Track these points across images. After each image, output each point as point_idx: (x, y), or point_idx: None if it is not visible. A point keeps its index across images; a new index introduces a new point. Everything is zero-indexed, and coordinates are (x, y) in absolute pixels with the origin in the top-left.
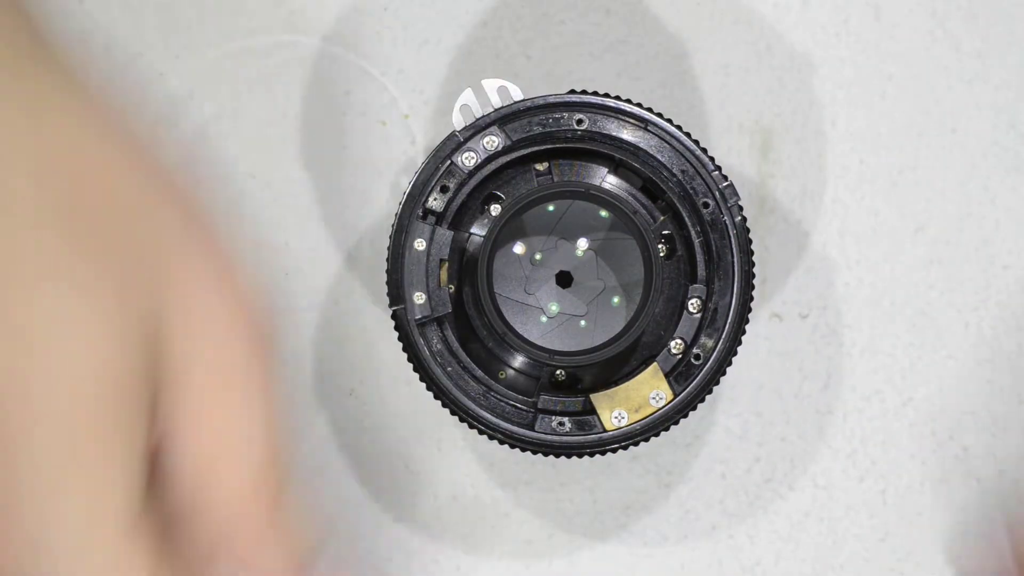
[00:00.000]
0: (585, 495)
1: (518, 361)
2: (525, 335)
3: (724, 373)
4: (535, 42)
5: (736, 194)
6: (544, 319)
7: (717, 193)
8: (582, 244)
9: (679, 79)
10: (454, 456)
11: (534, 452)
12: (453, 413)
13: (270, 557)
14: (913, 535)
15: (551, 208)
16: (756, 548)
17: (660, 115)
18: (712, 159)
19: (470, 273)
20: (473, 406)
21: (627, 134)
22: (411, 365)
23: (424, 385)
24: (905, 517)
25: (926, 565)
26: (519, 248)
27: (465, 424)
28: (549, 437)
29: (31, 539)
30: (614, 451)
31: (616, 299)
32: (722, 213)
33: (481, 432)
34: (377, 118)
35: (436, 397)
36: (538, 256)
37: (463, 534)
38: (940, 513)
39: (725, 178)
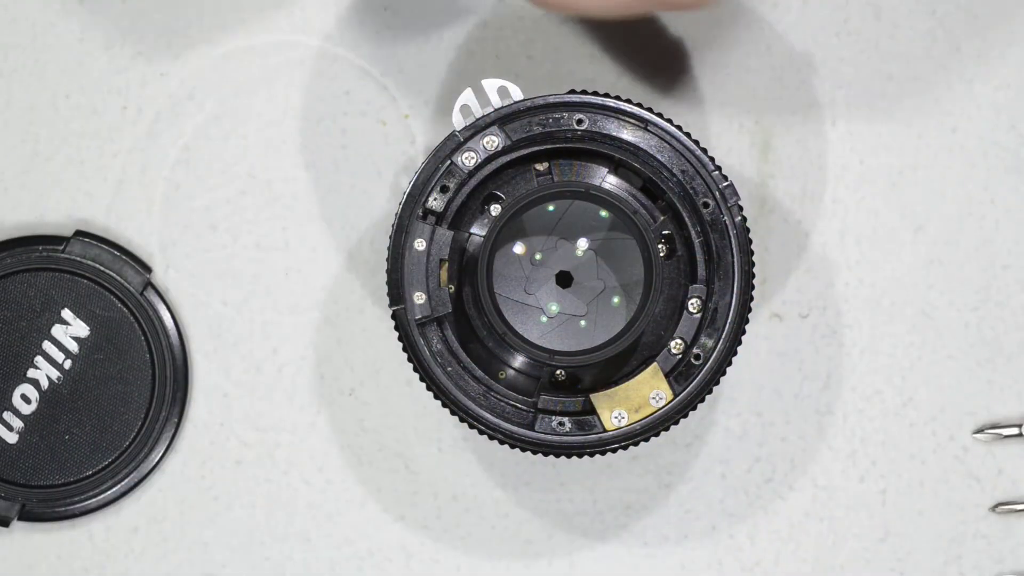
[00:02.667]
0: (585, 495)
1: (518, 361)
2: (525, 335)
3: (724, 373)
4: (535, 42)
5: (736, 194)
6: (544, 319)
7: (717, 193)
8: (582, 244)
9: (679, 79)
10: (454, 456)
11: (534, 452)
12: (453, 413)
13: None
14: (913, 535)
15: (551, 208)
16: (756, 548)
17: (660, 115)
18: (712, 159)
19: (470, 273)
20: (473, 406)
21: (627, 134)
22: (411, 365)
23: (424, 385)
24: (905, 517)
25: (926, 565)
26: (519, 248)
27: (465, 424)
28: (549, 437)
29: None
30: (614, 451)
31: (616, 299)
32: (722, 213)
33: (481, 432)
34: (377, 118)
35: (436, 397)
36: (538, 256)
37: (463, 534)
38: (940, 513)
39: (725, 178)
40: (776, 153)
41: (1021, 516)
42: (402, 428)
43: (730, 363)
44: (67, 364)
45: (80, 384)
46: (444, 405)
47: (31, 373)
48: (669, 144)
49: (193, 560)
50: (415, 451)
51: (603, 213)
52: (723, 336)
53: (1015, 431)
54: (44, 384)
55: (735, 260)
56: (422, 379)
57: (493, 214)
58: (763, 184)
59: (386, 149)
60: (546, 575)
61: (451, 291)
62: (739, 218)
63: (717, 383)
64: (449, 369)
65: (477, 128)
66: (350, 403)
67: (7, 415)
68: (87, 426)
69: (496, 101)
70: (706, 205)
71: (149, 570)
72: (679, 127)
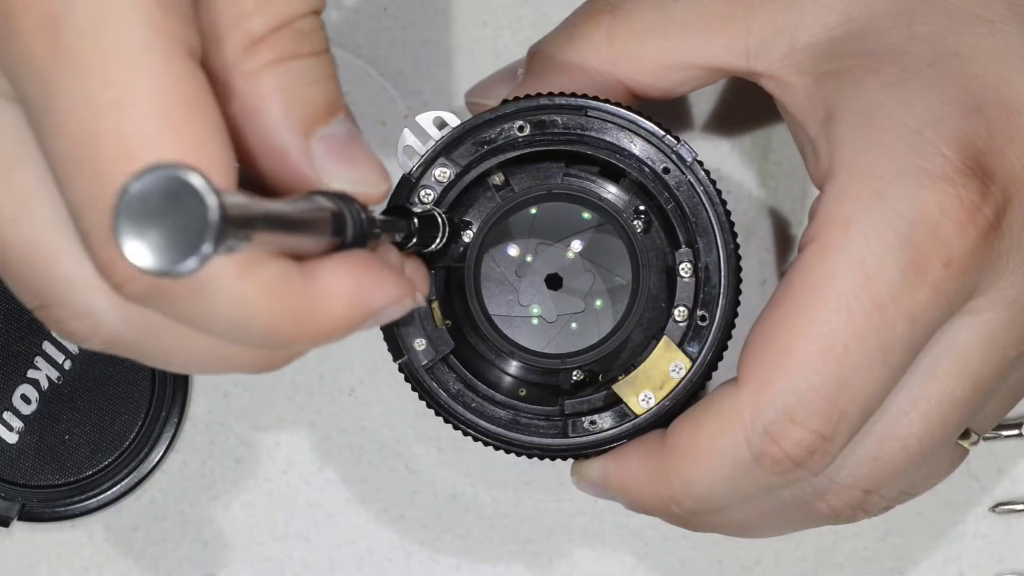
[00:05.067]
0: (585, 495)
1: (533, 374)
2: (532, 347)
3: (734, 326)
4: (535, 41)
5: (693, 151)
6: (544, 324)
7: (674, 156)
8: (561, 245)
9: None
10: (454, 456)
11: (576, 457)
12: (486, 444)
13: None
14: (913, 535)
15: (520, 217)
16: (756, 548)
17: (596, 98)
18: (659, 124)
19: (462, 306)
20: (504, 432)
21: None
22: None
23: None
24: (905, 517)
25: (926, 565)
26: (503, 267)
27: (501, 451)
28: (586, 439)
29: None
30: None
31: (610, 288)
32: (684, 173)
33: (519, 454)
34: (377, 118)
35: (466, 434)
36: (524, 265)
37: (463, 534)
38: (940, 513)
39: (677, 139)
40: (776, 154)
41: (1021, 516)
42: (402, 428)
43: (736, 315)
44: (67, 364)
45: (80, 384)
46: (475, 439)
47: (31, 373)
48: (613, 123)
49: (193, 560)
50: (415, 451)
51: (585, 215)
52: (721, 290)
53: (1015, 431)
54: (44, 384)
55: (710, 214)
56: (447, 421)
57: (467, 241)
58: (763, 184)
59: (386, 149)
60: (546, 575)
61: (448, 326)
62: (702, 173)
63: (730, 337)
64: (473, 405)
65: (426, 164)
66: (350, 403)
67: (7, 415)
68: (87, 426)
69: (435, 133)
70: (666, 171)
71: (149, 570)
72: (618, 104)
